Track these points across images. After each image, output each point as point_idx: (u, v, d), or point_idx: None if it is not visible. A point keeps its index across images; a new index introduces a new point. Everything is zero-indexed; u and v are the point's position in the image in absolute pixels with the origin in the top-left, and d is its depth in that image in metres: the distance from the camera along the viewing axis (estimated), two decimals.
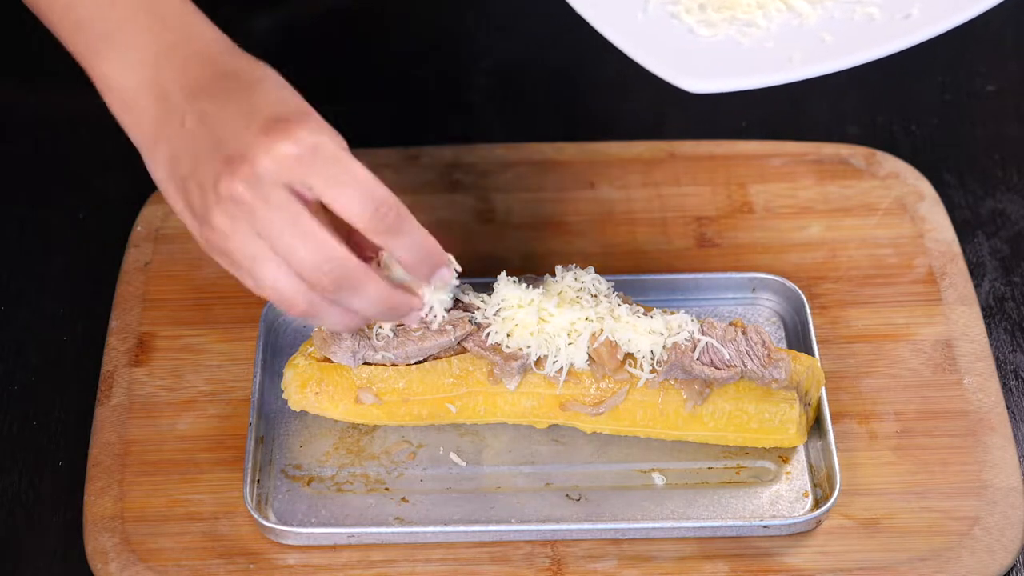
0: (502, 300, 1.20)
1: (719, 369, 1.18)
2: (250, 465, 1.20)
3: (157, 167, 1.09)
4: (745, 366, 1.18)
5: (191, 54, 1.09)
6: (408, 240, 1.09)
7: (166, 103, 1.07)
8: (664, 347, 1.19)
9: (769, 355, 1.19)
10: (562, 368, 1.19)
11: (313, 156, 1.05)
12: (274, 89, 1.08)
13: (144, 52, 1.08)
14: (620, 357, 1.19)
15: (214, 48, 1.10)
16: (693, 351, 1.18)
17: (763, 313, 1.32)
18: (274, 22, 1.54)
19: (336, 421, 1.24)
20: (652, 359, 1.19)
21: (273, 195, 1.04)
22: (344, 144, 1.06)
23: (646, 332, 1.18)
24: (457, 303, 1.21)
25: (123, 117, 1.10)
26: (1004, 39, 1.59)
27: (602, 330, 1.18)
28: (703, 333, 1.19)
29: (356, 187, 1.06)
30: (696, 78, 1.12)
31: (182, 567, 1.16)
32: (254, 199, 1.04)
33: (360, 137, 1.44)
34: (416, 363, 1.21)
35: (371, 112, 1.51)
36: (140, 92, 1.08)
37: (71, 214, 1.43)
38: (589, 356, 1.19)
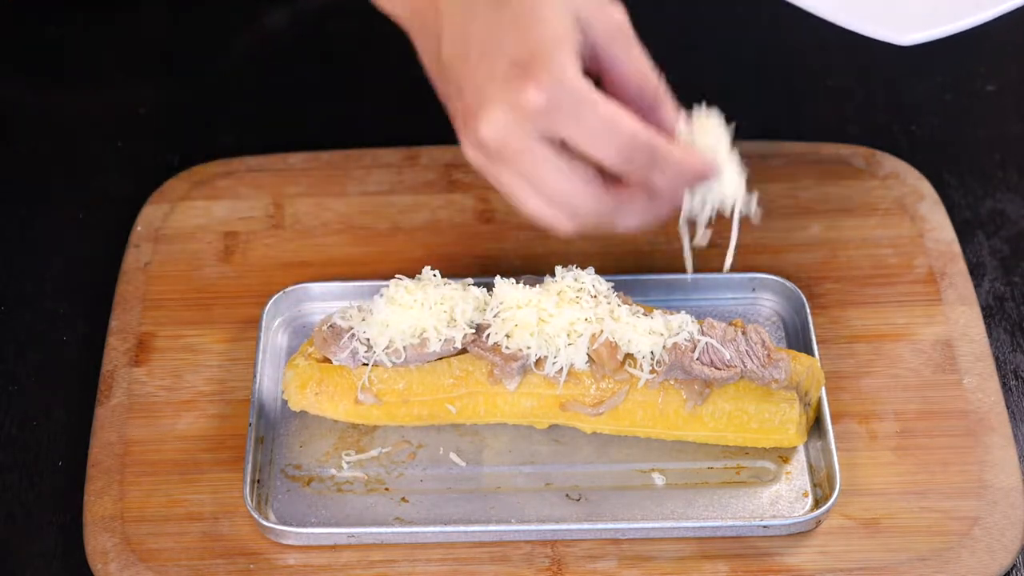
0: (501, 302, 1.20)
1: (719, 369, 1.18)
2: (250, 465, 1.20)
3: (429, 49, 1.11)
4: (745, 366, 1.19)
5: None
6: (667, 171, 1.07)
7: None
8: (664, 347, 1.19)
9: (769, 355, 1.19)
10: (562, 368, 1.19)
11: (551, 113, 1.04)
12: (516, 26, 1.07)
13: None
14: (620, 358, 1.19)
15: None
16: (693, 351, 1.18)
17: (763, 313, 1.32)
18: (274, 23, 1.54)
19: (336, 421, 1.24)
20: (652, 359, 1.19)
21: (521, 142, 1.05)
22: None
23: (646, 332, 1.18)
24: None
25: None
26: (1004, 39, 1.59)
27: (602, 331, 1.18)
28: (703, 333, 1.19)
29: (605, 134, 1.04)
30: (907, 32, 1.13)
31: (182, 567, 1.16)
32: (497, 150, 1.05)
33: (360, 137, 1.44)
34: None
35: (371, 112, 1.52)
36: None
37: (71, 214, 1.43)
38: (589, 357, 1.19)
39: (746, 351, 1.19)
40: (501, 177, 1.08)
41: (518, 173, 1.07)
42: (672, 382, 1.19)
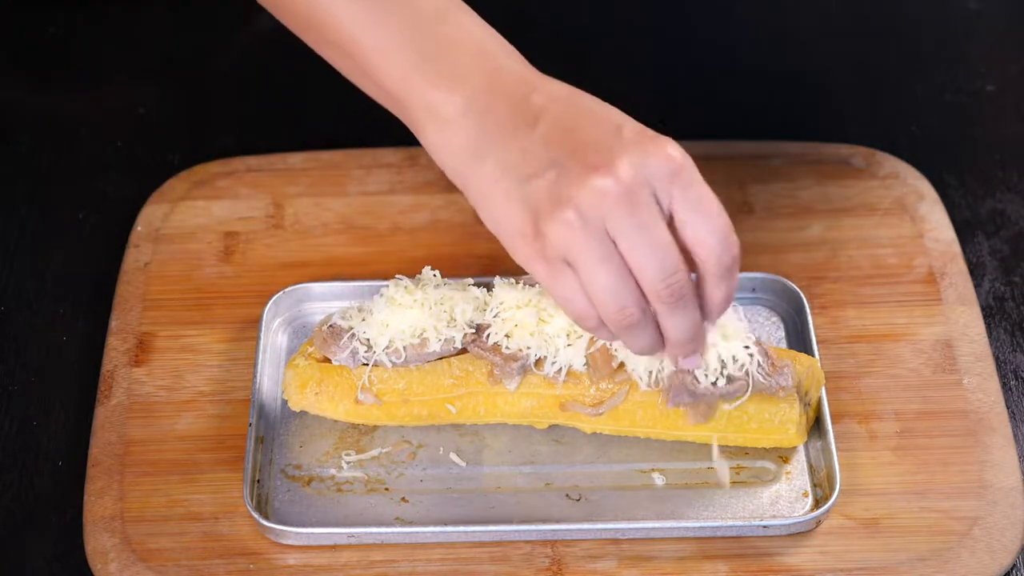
0: (501, 302, 1.20)
1: (728, 383, 1.18)
2: (250, 465, 1.20)
3: (483, 172, 1.10)
4: (751, 378, 1.18)
5: (512, 76, 1.11)
6: (731, 285, 1.10)
7: (507, 113, 1.09)
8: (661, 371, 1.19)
9: (773, 363, 1.19)
10: (561, 369, 1.19)
11: (683, 172, 1.07)
12: (615, 111, 1.10)
13: (474, 82, 1.10)
14: (614, 365, 1.19)
15: (527, 70, 1.12)
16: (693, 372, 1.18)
17: (763, 313, 1.32)
18: (274, 23, 1.54)
19: (336, 421, 1.24)
20: (650, 377, 1.19)
21: (641, 195, 1.06)
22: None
23: None
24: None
25: (438, 136, 1.11)
26: (1004, 39, 1.59)
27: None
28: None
29: (713, 217, 1.08)
30: None
31: (182, 567, 1.16)
32: (619, 196, 1.05)
33: (360, 137, 1.44)
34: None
35: (371, 112, 1.52)
36: (464, 113, 1.10)
37: (71, 214, 1.43)
38: (586, 360, 1.19)
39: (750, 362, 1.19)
40: (591, 240, 1.06)
41: (626, 227, 1.06)
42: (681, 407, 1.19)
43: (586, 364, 1.20)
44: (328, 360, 1.22)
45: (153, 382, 1.27)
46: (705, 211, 1.08)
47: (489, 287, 1.23)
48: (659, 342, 1.11)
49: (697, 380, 1.17)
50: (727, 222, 1.09)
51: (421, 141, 1.13)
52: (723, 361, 1.17)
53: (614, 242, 1.07)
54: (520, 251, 1.09)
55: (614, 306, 1.08)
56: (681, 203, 1.07)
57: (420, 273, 1.24)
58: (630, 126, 1.08)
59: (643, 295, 1.08)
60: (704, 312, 1.11)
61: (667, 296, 1.08)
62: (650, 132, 1.08)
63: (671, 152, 1.07)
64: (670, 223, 1.08)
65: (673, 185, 1.07)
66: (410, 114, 1.13)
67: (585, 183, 1.06)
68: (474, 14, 1.14)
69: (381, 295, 1.22)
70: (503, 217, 1.09)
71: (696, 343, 1.12)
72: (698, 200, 1.07)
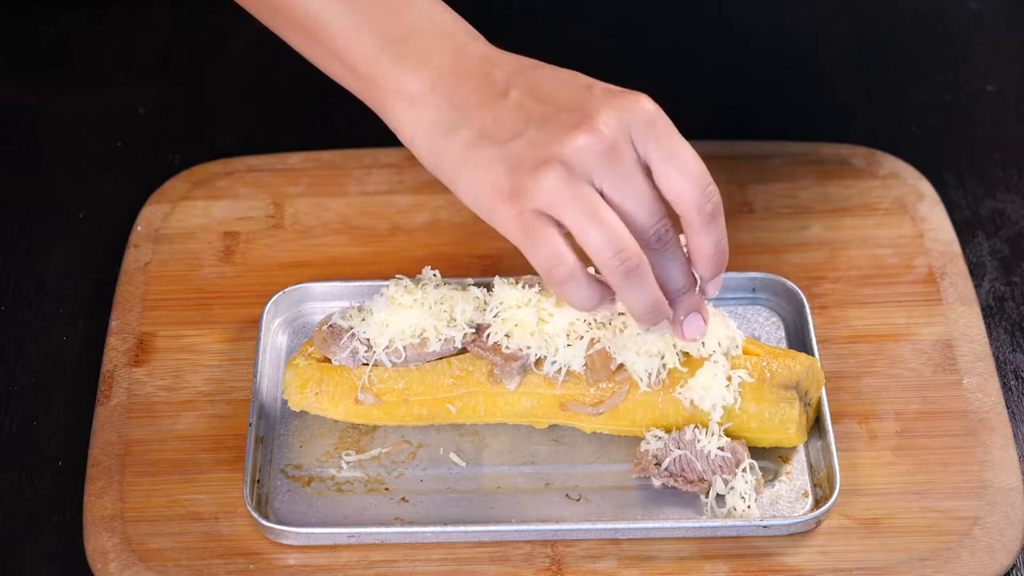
0: (501, 302, 1.20)
1: (690, 483, 1.18)
2: (250, 465, 1.20)
3: (457, 142, 1.11)
4: (711, 482, 1.18)
5: (476, 54, 1.13)
6: (716, 234, 1.12)
7: (474, 88, 1.11)
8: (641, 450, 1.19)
9: (732, 468, 1.19)
10: (561, 368, 1.19)
11: (658, 122, 1.09)
12: (581, 74, 1.13)
13: (439, 61, 1.13)
14: (613, 368, 1.19)
15: (490, 50, 1.15)
16: (659, 465, 1.18)
17: (763, 313, 1.32)
18: None
19: (336, 421, 1.24)
20: (649, 378, 1.19)
21: (623, 147, 1.08)
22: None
23: (644, 355, 1.18)
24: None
25: (407, 114, 1.13)
26: (1004, 39, 1.59)
27: (600, 339, 1.19)
28: (679, 445, 1.19)
29: (689, 167, 1.10)
30: None
31: (182, 567, 1.16)
32: (604, 150, 1.08)
33: (360, 137, 1.44)
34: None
35: (371, 112, 1.51)
36: (432, 90, 1.12)
37: (71, 214, 1.43)
38: (585, 363, 1.19)
39: (720, 465, 1.19)
40: (580, 192, 1.08)
41: (612, 177, 1.08)
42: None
43: (585, 366, 1.19)
44: (328, 360, 1.22)
45: (153, 382, 1.27)
46: (681, 161, 1.10)
47: (489, 287, 1.23)
48: (657, 300, 1.12)
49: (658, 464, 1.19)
50: (703, 171, 1.10)
51: (391, 122, 1.15)
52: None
53: (601, 193, 1.09)
54: (499, 212, 1.10)
55: (611, 251, 1.09)
56: (656, 153, 1.09)
57: (420, 273, 1.24)
58: (599, 84, 1.11)
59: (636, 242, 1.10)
60: (695, 266, 1.13)
61: (656, 242, 1.10)
62: (620, 88, 1.11)
63: (645, 104, 1.10)
64: (648, 175, 1.10)
65: (648, 136, 1.09)
66: (380, 95, 1.14)
67: (567, 140, 1.08)
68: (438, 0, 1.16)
69: (381, 295, 1.22)
70: (481, 180, 1.10)
71: (695, 299, 1.14)
72: (674, 150, 1.10)
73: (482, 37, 1.15)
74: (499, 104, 1.11)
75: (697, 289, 1.15)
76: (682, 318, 1.15)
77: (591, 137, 1.08)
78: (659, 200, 1.10)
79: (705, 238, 1.12)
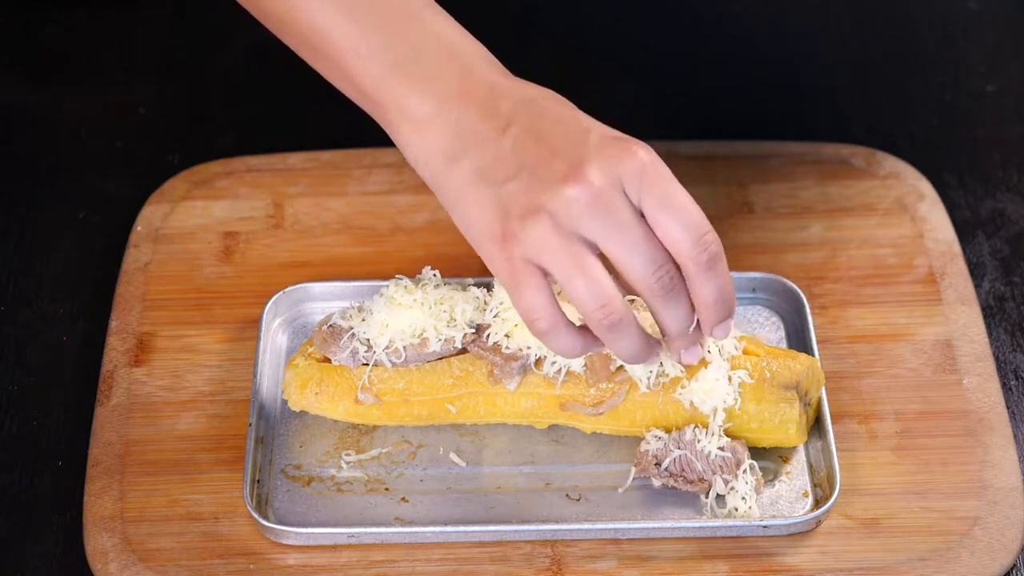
0: (501, 302, 1.21)
1: (690, 483, 1.18)
2: (250, 465, 1.20)
3: (457, 174, 1.11)
4: (710, 481, 1.18)
5: (483, 80, 1.13)
6: (716, 282, 1.11)
7: (478, 118, 1.11)
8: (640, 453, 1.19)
9: (732, 468, 1.18)
10: (561, 368, 1.19)
11: (651, 171, 1.08)
12: (583, 116, 1.12)
13: (446, 85, 1.12)
14: (613, 368, 1.19)
15: (497, 74, 1.14)
16: (659, 465, 1.18)
17: (763, 313, 1.32)
18: None
19: (336, 421, 1.24)
20: (648, 380, 1.19)
21: (613, 198, 1.08)
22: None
23: None
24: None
25: (413, 137, 1.13)
26: (1004, 39, 1.59)
27: None
28: (679, 445, 1.19)
29: (684, 214, 1.09)
30: None
31: (182, 567, 1.16)
32: (592, 200, 1.07)
33: (360, 137, 1.44)
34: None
35: None
36: (437, 115, 1.12)
37: (71, 214, 1.43)
38: (584, 364, 1.19)
39: (720, 465, 1.18)
40: (566, 244, 1.08)
41: (604, 228, 1.08)
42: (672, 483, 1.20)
43: (585, 367, 1.19)
44: (328, 360, 1.22)
45: (153, 382, 1.27)
46: (675, 208, 1.09)
47: (489, 287, 1.23)
48: (644, 345, 1.12)
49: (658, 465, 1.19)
50: (700, 219, 1.09)
51: (396, 140, 1.14)
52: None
53: (594, 245, 1.08)
54: (488, 252, 1.10)
55: (595, 304, 1.09)
56: (648, 202, 1.08)
57: (420, 273, 1.24)
58: (597, 130, 1.10)
59: (621, 295, 1.09)
60: (699, 314, 1.12)
61: (659, 288, 1.09)
62: (618, 135, 1.10)
63: (638, 153, 1.08)
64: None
65: (641, 185, 1.08)
66: (386, 115, 1.14)
67: (556, 191, 1.07)
68: (448, 17, 1.15)
69: (381, 295, 1.22)
70: (474, 218, 1.10)
71: (694, 335, 1.13)
72: (667, 197, 1.08)
73: (490, 56, 1.15)
74: (499, 141, 1.10)
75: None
76: (681, 352, 1.15)
77: (579, 188, 1.07)
78: (659, 248, 1.09)
79: (704, 287, 1.10)
